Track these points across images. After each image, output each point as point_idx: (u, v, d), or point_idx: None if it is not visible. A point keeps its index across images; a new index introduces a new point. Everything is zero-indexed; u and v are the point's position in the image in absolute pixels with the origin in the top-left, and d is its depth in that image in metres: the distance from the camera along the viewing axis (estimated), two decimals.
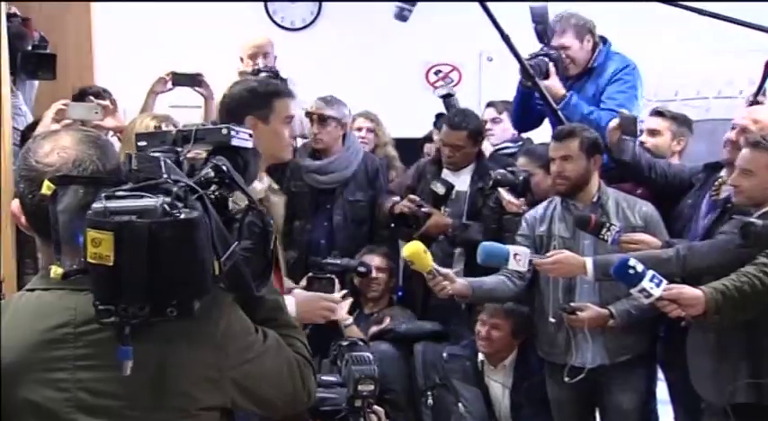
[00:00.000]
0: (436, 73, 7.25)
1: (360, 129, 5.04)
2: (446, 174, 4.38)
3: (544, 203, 3.83)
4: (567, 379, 3.61)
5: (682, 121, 4.16)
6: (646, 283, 2.90)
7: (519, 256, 3.39)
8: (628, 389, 3.65)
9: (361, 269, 4.16)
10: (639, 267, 2.92)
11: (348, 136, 4.55)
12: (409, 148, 5.32)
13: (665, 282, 2.94)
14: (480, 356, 3.98)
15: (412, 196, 4.29)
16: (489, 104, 5.23)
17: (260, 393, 1.69)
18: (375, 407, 2.15)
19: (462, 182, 4.35)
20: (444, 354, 3.97)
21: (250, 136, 1.73)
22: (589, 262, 3.35)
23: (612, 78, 4.23)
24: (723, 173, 3.62)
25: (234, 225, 1.57)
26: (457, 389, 3.88)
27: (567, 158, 3.63)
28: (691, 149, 4.19)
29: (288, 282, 2.93)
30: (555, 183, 3.71)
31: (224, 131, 1.68)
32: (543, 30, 4.17)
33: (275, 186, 2.85)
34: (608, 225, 3.47)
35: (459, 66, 7.17)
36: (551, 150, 3.73)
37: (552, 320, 3.65)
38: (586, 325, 3.52)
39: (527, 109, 4.41)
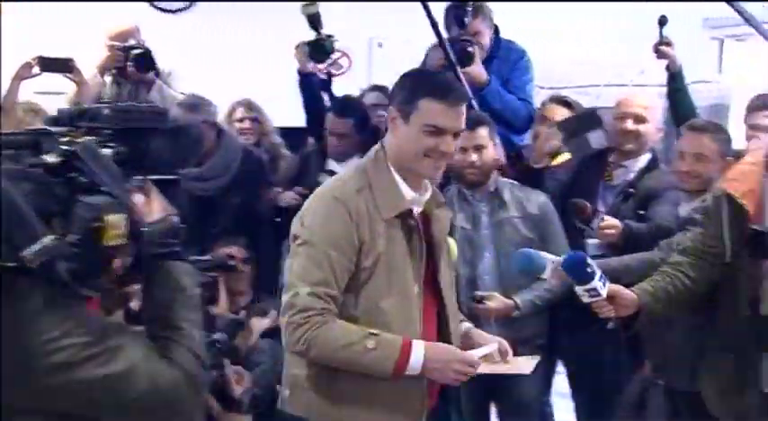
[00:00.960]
0: None
1: (241, 120, 4.82)
2: (332, 164, 4.21)
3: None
4: None
5: (576, 109, 4.11)
6: (596, 282, 2.79)
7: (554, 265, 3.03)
8: (525, 380, 3.49)
9: (231, 263, 3.83)
10: (593, 265, 2.83)
11: (223, 134, 4.31)
12: (296, 137, 5.01)
13: (608, 282, 2.86)
14: None
15: (298, 188, 4.11)
16: (374, 88, 5.00)
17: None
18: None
19: None
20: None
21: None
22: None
23: (514, 67, 4.20)
24: (612, 158, 3.75)
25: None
26: None
27: (480, 149, 3.52)
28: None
29: None
30: (468, 172, 3.57)
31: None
32: (462, 15, 4.08)
33: (441, 198, 2.60)
34: (599, 214, 3.50)
35: (349, 51, 7.00)
36: (463, 139, 3.56)
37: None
38: (492, 315, 3.45)
39: None
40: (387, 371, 2.33)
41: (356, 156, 4.11)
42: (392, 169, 2.42)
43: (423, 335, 2.44)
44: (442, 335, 2.55)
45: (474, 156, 3.51)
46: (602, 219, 3.52)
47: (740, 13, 3.85)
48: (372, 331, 2.34)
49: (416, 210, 2.47)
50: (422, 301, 2.45)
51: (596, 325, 3.14)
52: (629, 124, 3.71)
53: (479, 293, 3.50)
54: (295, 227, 2.47)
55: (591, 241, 3.60)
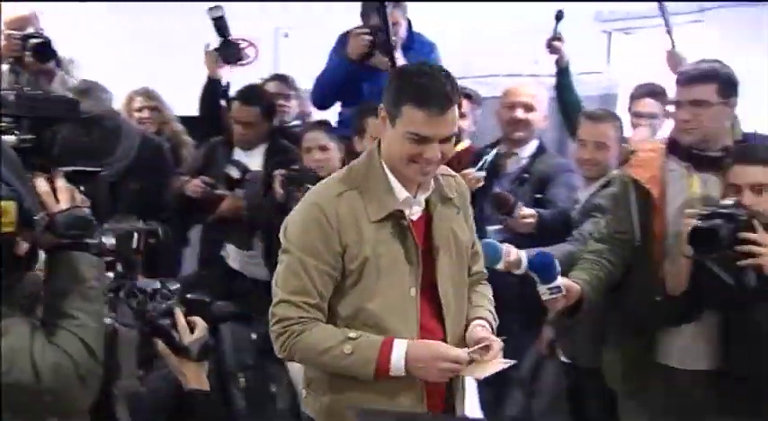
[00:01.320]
0: None
1: (140, 110, 4.69)
2: (238, 154, 4.18)
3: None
4: None
5: (475, 99, 4.21)
6: (559, 280, 2.83)
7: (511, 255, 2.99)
8: None
9: None
10: (557, 263, 2.86)
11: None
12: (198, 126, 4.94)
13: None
14: None
15: (203, 177, 4.09)
16: (275, 77, 4.96)
17: None
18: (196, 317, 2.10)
19: (255, 161, 4.14)
20: (253, 336, 3.83)
21: None
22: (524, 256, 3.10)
23: (426, 58, 4.10)
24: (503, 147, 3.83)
25: None
26: (270, 370, 3.77)
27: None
28: (481, 126, 4.26)
29: None
30: None
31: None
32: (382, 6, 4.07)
33: (448, 194, 2.41)
34: (518, 205, 3.50)
35: (255, 41, 6.97)
36: (370, 126, 3.62)
37: None
38: None
39: (342, 85, 4.24)
40: (369, 374, 2.27)
41: (261, 145, 4.16)
42: (386, 168, 2.33)
43: (424, 336, 2.34)
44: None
45: None
46: (520, 208, 3.54)
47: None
48: (351, 334, 2.28)
49: (415, 210, 2.37)
50: (419, 303, 2.35)
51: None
52: (520, 113, 3.79)
53: None
54: (281, 234, 2.39)
55: (491, 228, 3.63)
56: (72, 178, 1.75)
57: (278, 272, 2.34)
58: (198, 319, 2.07)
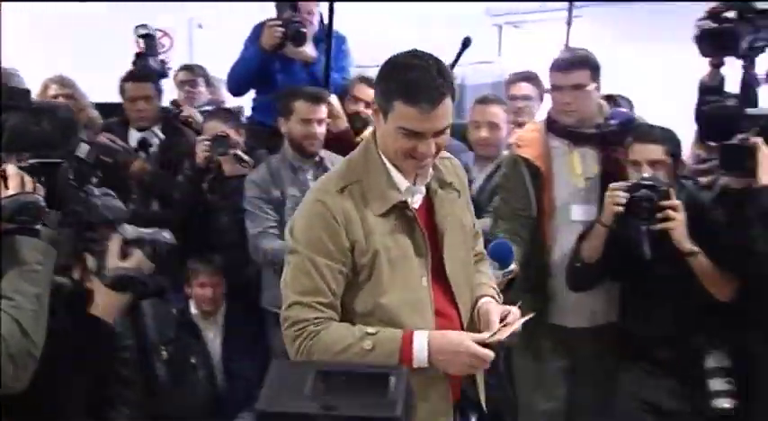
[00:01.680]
0: None
1: (55, 97, 4.51)
2: (133, 134, 4.21)
3: (264, 164, 3.78)
4: None
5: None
6: (513, 265, 2.86)
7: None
8: None
9: None
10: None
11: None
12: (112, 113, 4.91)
13: None
14: (194, 311, 3.89)
15: (108, 135, 4.09)
16: (184, 67, 5.09)
17: None
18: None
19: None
20: (173, 310, 3.85)
21: None
22: None
23: (338, 51, 4.22)
24: None
25: None
26: (189, 343, 3.81)
27: (321, 122, 3.63)
28: None
29: None
30: (307, 143, 3.65)
31: None
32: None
33: (446, 178, 2.27)
34: None
35: (170, 31, 6.97)
36: (312, 113, 3.65)
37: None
38: None
39: (256, 73, 4.24)
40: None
41: (155, 126, 4.20)
42: (385, 160, 2.16)
43: (440, 322, 2.18)
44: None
45: (317, 129, 3.60)
46: None
47: None
48: (369, 330, 2.10)
49: (416, 198, 2.20)
50: (432, 292, 2.19)
51: None
52: None
53: None
54: (287, 234, 2.23)
55: None
56: (34, 169, 1.72)
57: (286, 273, 2.18)
58: (138, 253, 2.02)
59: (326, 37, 3.94)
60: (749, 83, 2.99)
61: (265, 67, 4.18)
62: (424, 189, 2.21)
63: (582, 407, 3.32)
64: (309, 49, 4.08)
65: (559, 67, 3.19)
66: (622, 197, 2.91)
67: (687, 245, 2.89)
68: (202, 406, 3.79)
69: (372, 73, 4.01)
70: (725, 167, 2.92)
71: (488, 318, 2.20)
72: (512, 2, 5.44)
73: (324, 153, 3.71)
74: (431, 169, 2.20)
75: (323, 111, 3.64)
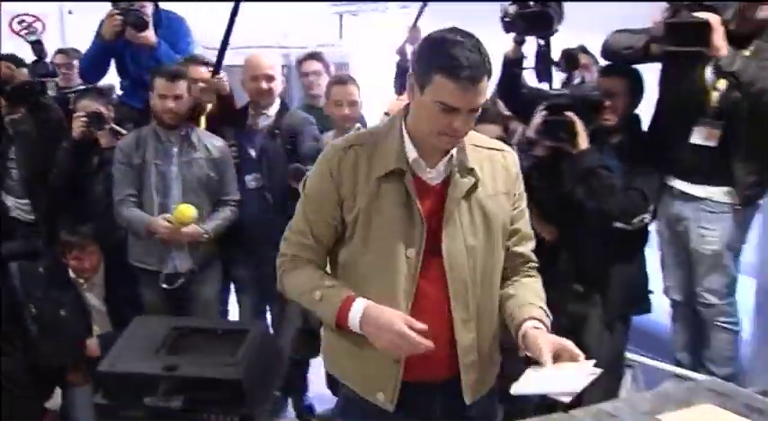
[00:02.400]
0: (20, 23, 6.80)
1: None
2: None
3: (134, 132, 3.76)
4: (164, 285, 3.70)
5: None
6: None
7: None
8: (207, 281, 3.82)
9: None
10: None
11: None
12: None
13: None
14: (73, 275, 3.83)
15: None
16: (60, 51, 5.21)
17: None
18: None
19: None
20: (41, 269, 3.81)
21: None
22: None
23: (178, 32, 4.29)
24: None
25: None
26: (57, 298, 3.75)
27: (180, 97, 3.68)
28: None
29: None
30: (166, 117, 3.67)
31: None
32: None
33: (469, 164, 2.10)
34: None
35: (43, 17, 6.91)
36: (168, 89, 3.67)
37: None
38: (185, 239, 3.63)
39: (102, 60, 4.31)
40: (332, 324, 2.03)
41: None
42: (405, 132, 2.02)
43: (421, 301, 2.03)
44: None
45: (172, 104, 3.62)
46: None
47: None
48: (326, 282, 2.05)
49: (432, 174, 2.04)
50: (419, 267, 2.01)
51: None
52: (264, 84, 3.81)
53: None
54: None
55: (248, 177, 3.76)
56: None
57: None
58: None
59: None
60: (547, 59, 3.25)
61: (118, 55, 4.21)
62: (443, 170, 2.03)
63: None
64: (150, 35, 4.08)
65: None
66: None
67: None
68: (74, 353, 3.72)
69: (228, 53, 4.20)
70: (549, 138, 3.12)
71: (537, 344, 1.91)
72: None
73: (191, 127, 3.75)
74: (456, 153, 2.02)
75: (179, 87, 3.63)
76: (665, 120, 3.34)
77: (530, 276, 2.14)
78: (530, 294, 2.08)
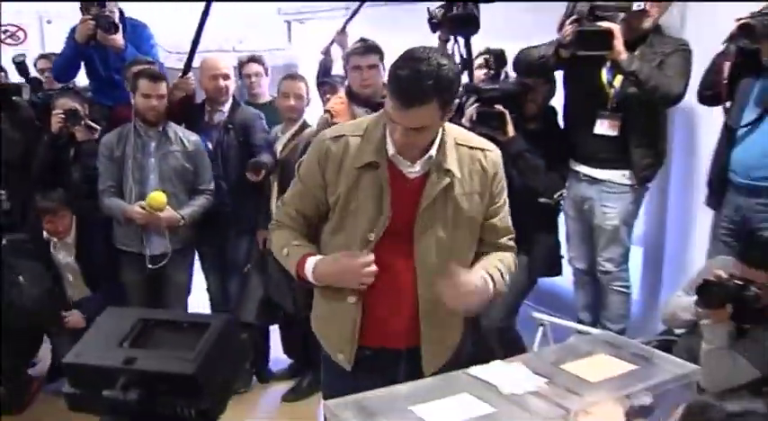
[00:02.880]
0: (5, 32, 6.84)
1: None
2: None
3: (117, 129, 3.80)
4: (150, 266, 3.75)
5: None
6: None
7: None
8: (180, 266, 3.90)
9: None
10: None
11: None
12: None
13: None
14: (46, 235, 3.85)
15: None
16: (42, 56, 5.33)
17: None
18: None
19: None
20: (4, 241, 3.78)
21: None
22: None
23: (141, 37, 4.34)
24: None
25: None
26: (16, 265, 3.76)
27: (162, 97, 3.73)
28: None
29: None
30: (150, 114, 3.74)
31: None
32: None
33: (447, 165, 2.11)
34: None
35: (25, 26, 7.03)
36: (151, 89, 3.74)
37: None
38: (164, 223, 3.68)
39: (73, 62, 4.35)
40: (294, 275, 2.13)
41: None
42: (388, 128, 2.02)
43: (384, 279, 2.08)
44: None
45: (156, 102, 3.68)
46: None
47: None
48: (294, 242, 2.13)
49: (411, 169, 2.06)
50: (377, 249, 2.07)
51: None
52: (221, 82, 3.91)
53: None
54: None
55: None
56: None
57: None
58: None
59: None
60: (470, 55, 3.43)
61: (87, 58, 4.25)
62: (420, 167, 2.04)
63: None
64: (119, 38, 4.13)
65: (358, 51, 3.43)
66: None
67: None
68: (37, 314, 3.75)
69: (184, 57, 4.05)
70: (482, 126, 3.24)
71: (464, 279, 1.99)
72: (298, 2, 5.89)
73: (168, 123, 3.80)
74: (435, 153, 2.02)
75: (161, 87, 3.69)
76: (571, 113, 3.53)
77: (501, 251, 2.17)
78: (493, 258, 2.12)
